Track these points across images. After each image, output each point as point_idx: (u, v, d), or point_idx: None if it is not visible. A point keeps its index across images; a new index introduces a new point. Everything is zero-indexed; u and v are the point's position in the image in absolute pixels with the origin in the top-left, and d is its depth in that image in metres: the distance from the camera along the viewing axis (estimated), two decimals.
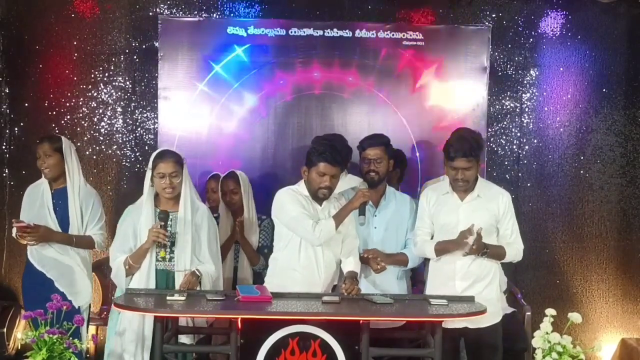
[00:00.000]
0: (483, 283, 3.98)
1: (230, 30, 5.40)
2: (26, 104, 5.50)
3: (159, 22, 5.39)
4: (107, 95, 5.53)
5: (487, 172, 5.46)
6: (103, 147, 5.53)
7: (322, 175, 3.92)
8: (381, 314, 3.71)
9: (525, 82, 5.61)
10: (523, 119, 5.61)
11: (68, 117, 5.51)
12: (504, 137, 5.61)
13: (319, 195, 3.97)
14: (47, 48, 5.47)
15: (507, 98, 5.61)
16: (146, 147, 5.50)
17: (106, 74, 5.52)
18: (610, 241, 5.63)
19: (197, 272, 3.88)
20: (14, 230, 4.28)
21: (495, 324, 4.00)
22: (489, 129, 5.55)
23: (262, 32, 5.40)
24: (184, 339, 4.00)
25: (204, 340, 4.23)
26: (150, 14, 5.48)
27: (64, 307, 3.61)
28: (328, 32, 5.42)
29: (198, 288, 3.88)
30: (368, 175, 4.23)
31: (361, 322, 3.60)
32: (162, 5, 5.49)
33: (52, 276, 4.31)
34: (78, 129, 5.51)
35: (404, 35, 5.44)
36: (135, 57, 5.51)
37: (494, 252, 3.94)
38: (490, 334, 3.99)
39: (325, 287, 4.04)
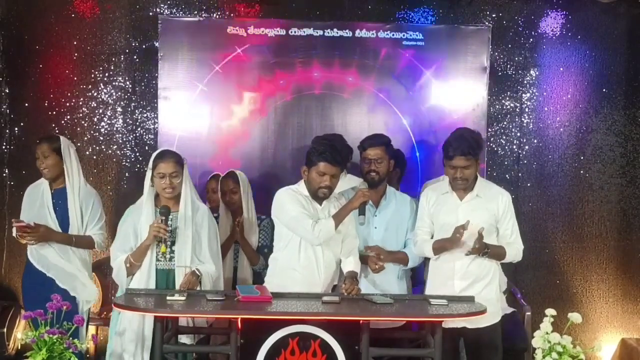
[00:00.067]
0: (482, 283, 3.98)
1: (230, 30, 5.40)
2: (26, 104, 5.50)
3: (159, 22, 5.39)
4: (107, 95, 5.53)
5: (487, 172, 5.46)
6: (103, 147, 5.53)
7: (322, 174, 3.92)
8: (381, 314, 3.71)
9: (525, 82, 5.61)
10: (523, 119, 5.61)
11: (68, 117, 5.51)
12: (504, 137, 5.61)
13: (319, 195, 3.97)
14: (47, 48, 5.47)
15: (507, 98, 5.62)
16: (146, 147, 5.50)
17: (106, 74, 5.52)
18: (610, 241, 5.63)
19: (197, 272, 3.88)
20: (14, 230, 4.27)
21: (495, 324, 4.00)
22: (489, 129, 5.55)
23: (262, 32, 5.40)
24: (184, 339, 4.00)
25: (204, 340, 4.23)
26: (150, 14, 5.49)
27: (64, 307, 3.61)
28: (328, 32, 5.42)
29: (198, 288, 3.88)
30: (369, 175, 4.23)
31: (361, 322, 3.59)
32: (162, 5, 5.49)
33: (52, 275, 4.30)
34: (78, 129, 5.51)
35: (404, 35, 5.44)
36: (135, 57, 5.51)
37: (495, 252, 3.95)
38: (490, 334, 3.99)
39: (325, 287, 4.04)
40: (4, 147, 5.52)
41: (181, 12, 5.49)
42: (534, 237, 5.53)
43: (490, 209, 4.00)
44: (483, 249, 3.86)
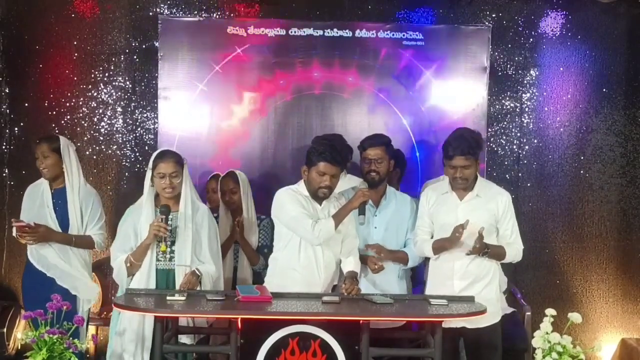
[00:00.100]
0: (482, 283, 3.98)
1: (230, 30, 5.39)
2: (26, 104, 5.50)
3: (159, 22, 5.39)
4: (107, 95, 5.53)
5: (487, 172, 5.46)
6: (103, 147, 5.53)
7: (322, 174, 3.92)
8: (381, 314, 3.71)
9: (525, 82, 5.61)
10: (523, 119, 5.61)
11: (68, 117, 5.51)
12: (504, 137, 5.61)
13: (319, 195, 3.97)
14: (47, 48, 5.47)
15: (507, 98, 5.61)
16: (146, 147, 5.50)
17: (106, 74, 5.52)
18: (610, 241, 5.63)
19: (197, 272, 3.88)
20: (14, 230, 4.27)
21: (495, 324, 4.00)
22: (489, 129, 5.55)
23: (262, 32, 5.40)
24: (184, 339, 4.00)
25: (204, 340, 4.23)
26: (150, 14, 5.49)
27: (64, 307, 3.61)
28: (328, 32, 5.42)
29: (198, 288, 3.88)
30: (369, 175, 4.23)
31: (361, 322, 3.59)
32: (162, 5, 5.49)
33: (53, 275, 4.30)
34: (78, 129, 5.51)
35: (404, 35, 5.44)
36: (135, 57, 5.52)
37: (495, 252, 3.94)
38: (490, 334, 3.99)
39: (325, 287, 4.04)
40: (4, 147, 5.52)
41: (181, 12, 5.49)
42: (534, 237, 5.53)
43: (490, 209, 4.00)
44: (483, 249, 3.86)
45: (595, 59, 5.60)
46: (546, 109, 5.62)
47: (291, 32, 5.41)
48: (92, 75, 5.51)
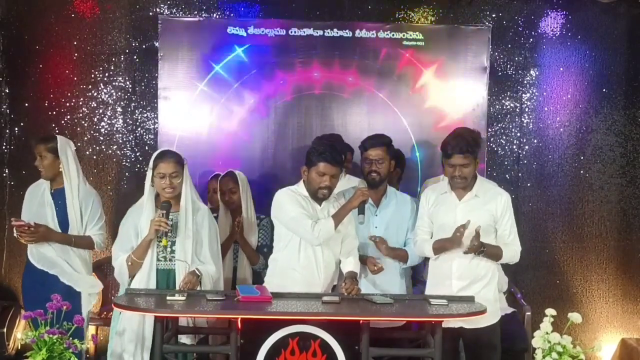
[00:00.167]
0: (481, 283, 3.98)
1: (230, 30, 5.40)
2: (26, 104, 5.50)
3: (159, 22, 5.39)
4: (107, 95, 5.53)
5: (487, 172, 5.46)
6: (103, 147, 5.53)
7: (322, 175, 3.92)
8: (381, 314, 3.71)
9: (525, 82, 5.61)
10: (523, 119, 5.61)
11: (68, 117, 5.51)
12: (504, 137, 5.62)
13: (318, 196, 3.97)
14: (47, 48, 5.47)
15: (507, 98, 5.62)
16: (146, 147, 5.50)
17: (106, 74, 5.52)
18: (610, 241, 5.64)
19: (197, 272, 3.88)
20: (15, 229, 4.27)
21: (494, 324, 3.99)
22: (489, 129, 5.55)
23: (262, 32, 5.40)
24: (184, 339, 4.00)
25: (204, 340, 4.23)
26: (150, 14, 5.49)
27: (64, 307, 3.61)
28: (328, 32, 5.42)
29: (198, 288, 3.88)
30: (369, 175, 4.23)
31: (361, 322, 3.59)
32: (162, 5, 5.49)
33: (55, 272, 4.30)
34: (78, 129, 5.51)
35: (404, 35, 5.44)
36: (135, 57, 5.52)
37: (491, 252, 3.93)
38: (489, 334, 3.98)
39: (325, 287, 4.04)
40: (4, 147, 5.52)
41: (181, 12, 5.49)
42: (534, 237, 5.53)
43: (489, 209, 3.99)
44: (479, 248, 3.85)
45: (595, 59, 5.60)
46: (546, 109, 5.62)
47: (291, 32, 5.41)
48: (92, 75, 5.51)
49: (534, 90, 5.61)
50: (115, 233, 4.12)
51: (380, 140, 4.28)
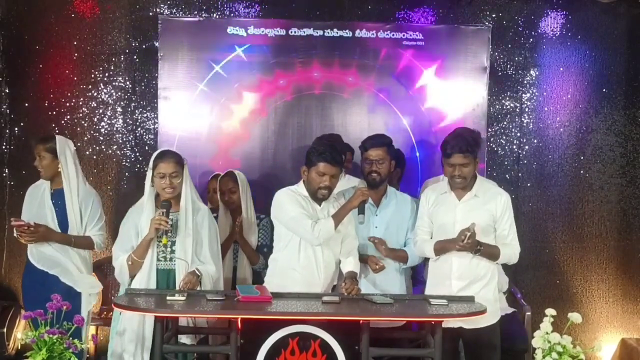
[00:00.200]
0: (480, 283, 3.97)
1: (230, 30, 5.40)
2: (26, 104, 5.50)
3: (159, 22, 5.39)
4: (107, 95, 5.53)
5: (487, 172, 5.46)
6: (103, 147, 5.53)
7: (321, 175, 3.92)
8: (381, 314, 3.70)
9: (525, 82, 5.61)
10: (523, 119, 5.61)
11: (68, 117, 5.51)
12: (504, 137, 5.61)
13: (318, 196, 3.97)
14: (47, 48, 5.47)
15: (507, 98, 5.62)
16: (146, 147, 5.50)
17: (106, 74, 5.52)
18: (610, 241, 5.64)
19: (197, 272, 3.88)
20: (15, 229, 4.27)
21: (493, 324, 3.99)
22: (489, 129, 5.55)
23: (262, 32, 5.40)
24: (184, 339, 4.00)
25: (204, 340, 4.23)
26: (150, 14, 5.49)
27: (64, 307, 3.61)
28: (328, 32, 5.42)
29: (198, 288, 3.88)
30: (370, 176, 4.22)
31: (361, 322, 3.59)
32: (162, 5, 5.49)
33: (55, 272, 4.29)
34: (78, 129, 5.51)
35: (404, 35, 5.44)
36: (135, 57, 5.52)
37: (487, 252, 3.92)
38: (488, 334, 3.98)
39: (325, 287, 4.04)
40: (4, 147, 5.52)
41: (181, 12, 5.49)
42: (534, 237, 5.53)
43: (489, 209, 3.99)
44: (475, 246, 3.85)
45: (595, 59, 5.60)
46: (546, 109, 5.62)
47: (291, 32, 5.41)
48: (92, 75, 5.51)
49: (534, 90, 5.61)
50: (115, 233, 4.12)
51: (380, 141, 4.28)
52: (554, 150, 5.61)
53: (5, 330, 5.17)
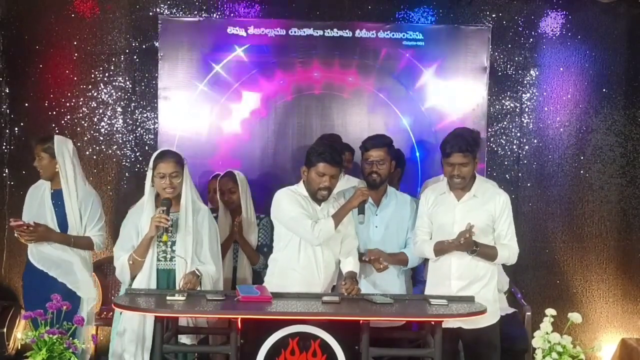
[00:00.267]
0: (480, 283, 3.97)
1: (230, 30, 5.40)
2: (26, 104, 5.50)
3: (159, 22, 5.39)
4: (107, 95, 5.53)
5: (487, 172, 5.46)
6: (103, 147, 5.53)
7: (321, 175, 3.92)
8: (381, 314, 3.70)
9: (525, 82, 5.61)
10: (523, 119, 5.62)
11: (68, 117, 5.51)
12: (504, 137, 5.62)
13: (318, 197, 3.97)
14: (47, 48, 5.47)
15: (507, 98, 5.62)
16: (146, 147, 5.50)
17: (106, 74, 5.52)
18: (610, 241, 5.64)
19: (197, 272, 3.88)
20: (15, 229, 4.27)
21: (493, 325, 3.99)
22: (489, 129, 5.55)
23: (262, 32, 5.41)
24: (184, 339, 4.00)
25: (204, 340, 4.23)
26: (150, 14, 5.49)
27: (64, 307, 3.61)
28: (328, 32, 5.42)
29: (198, 288, 3.88)
30: (370, 176, 4.22)
31: (361, 322, 3.59)
32: (162, 5, 5.49)
33: (55, 274, 4.29)
34: (78, 129, 5.51)
35: (404, 35, 5.44)
36: (135, 57, 5.52)
37: (484, 252, 3.92)
38: (488, 334, 3.98)
39: (325, 287, 4.04)
40: (4, 147, 5.52)
41: (181, 12, 5.49)
42: (534, 237, 5.53)
43: (488, 209, 3.99)
44: (471, 246, 3.85)
45: (595, 59, 5.60)
46: (546, 109, 5.62)
47: (291, 32, 5.41)
48: (92, 75, 5.51)
49: (534, 90, 5.61)
50: (115, 233, 4.12)
51: (381, 141, 4.28)
52: (554, 150, 5.61)
53: (5, 330, 5.17)
